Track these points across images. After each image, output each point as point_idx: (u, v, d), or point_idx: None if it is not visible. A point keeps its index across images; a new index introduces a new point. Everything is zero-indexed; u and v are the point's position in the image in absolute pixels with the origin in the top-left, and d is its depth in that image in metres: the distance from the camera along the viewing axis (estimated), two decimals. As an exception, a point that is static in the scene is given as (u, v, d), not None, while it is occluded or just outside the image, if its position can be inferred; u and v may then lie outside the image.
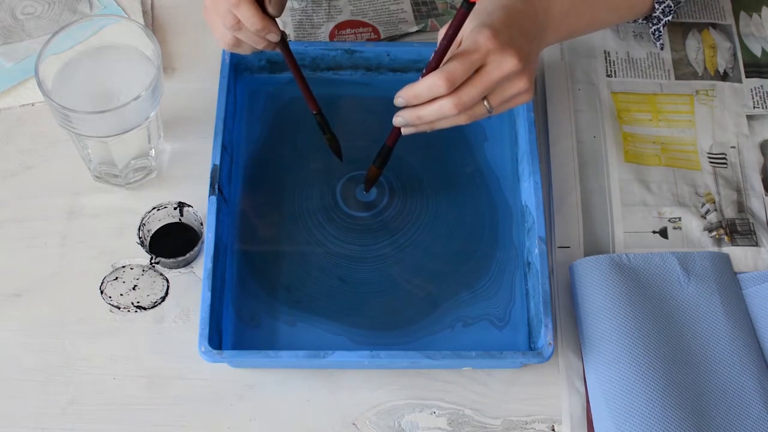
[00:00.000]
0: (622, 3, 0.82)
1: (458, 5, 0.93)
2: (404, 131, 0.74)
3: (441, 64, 0.69)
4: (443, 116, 0.70)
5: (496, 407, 0.77)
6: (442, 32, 0.69)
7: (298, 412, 0.77)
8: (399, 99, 0.71)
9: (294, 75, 0.78)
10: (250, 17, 0.71)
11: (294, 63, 0.78)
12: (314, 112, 0.80)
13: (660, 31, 0.87)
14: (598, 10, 0.80)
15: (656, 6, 0.84)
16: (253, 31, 0.72)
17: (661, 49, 0.91)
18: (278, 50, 0.77)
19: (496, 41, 0.67)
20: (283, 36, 0.75)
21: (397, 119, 0.73)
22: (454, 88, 0.68)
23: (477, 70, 0.68)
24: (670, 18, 0.86)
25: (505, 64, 0.68)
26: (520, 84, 0.70)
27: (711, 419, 0.74)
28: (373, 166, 0.81)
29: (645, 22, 0.88)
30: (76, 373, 0.78)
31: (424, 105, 0.70)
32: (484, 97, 0.70)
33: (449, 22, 0.68)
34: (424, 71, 0.70)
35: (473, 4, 0.64)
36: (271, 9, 0.72)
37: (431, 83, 0.68)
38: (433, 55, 0.69)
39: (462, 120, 0.70)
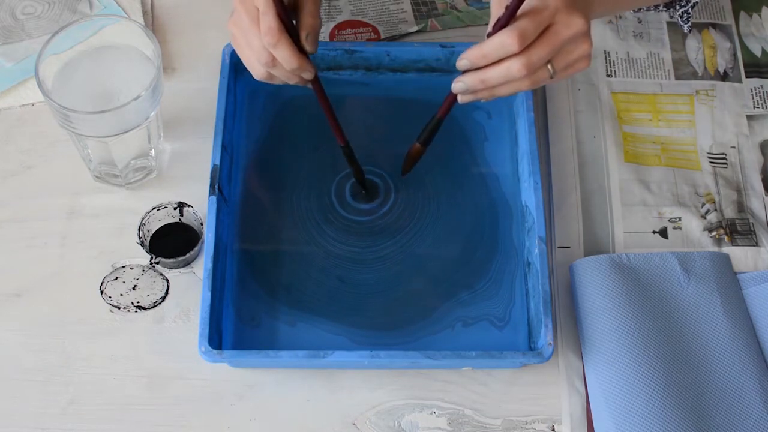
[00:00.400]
0: None
1: (459, 4, 0.93)
2: (461, 99, 0.71)
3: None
4: (510, 79, 0.67)
5: (496, 407, 0.77)
6: None
7: (298, 412, 0.77)
8: (463, 61, 0.68)
9: (323, 108, 0.77)
10: (287, 58, 0.70)
11: (325, 98, 0.77)
12: (341, 145, 0.80)
13: (689, 13, 0.86)
14: None
15: None
16: (289, 69, 0.71)
17: (689, 32, 0.89)
18: (310, 86, 0.76)
19: (562, 1, 0.66)
20: (316, 72, 0.74)
21: (458, 84, 0.70)
22: (523, 48, 0.66)
23: (544, 30, 0.66)
24: (698, 0, 0.84)
25: (573, 23, 0.66)
26: (584, 46, 0.68)
27: (711, 419, 0.74)
28: (416, 144, 0.79)
29: (666, 9, 0.86)
30: (76, 373, 0.78)
31: (490, 67, 0.67)
32: (548, 61, 0.67)
33: None
34: (490, 31, 0.67)
35: None
36: (307, 47, 0.71)
37: (501, 41, 0.65)
38: (503, 12, 0.66)
39: (525, 85, 0.68)
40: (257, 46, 0.71)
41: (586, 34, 0.67)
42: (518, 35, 0.65)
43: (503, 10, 0.66)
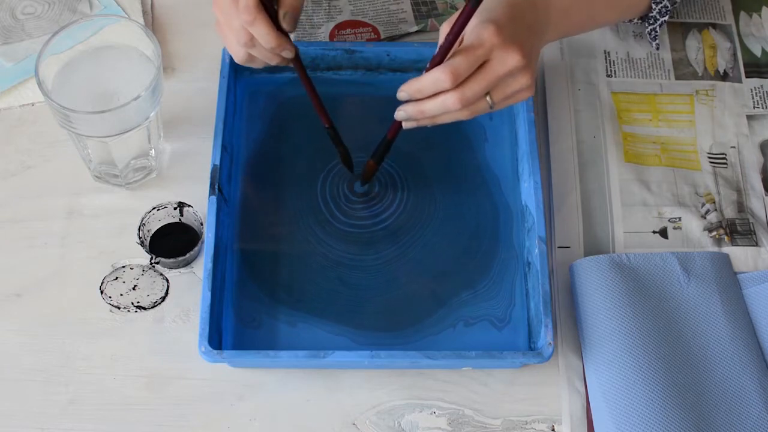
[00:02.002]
0: (621, 1, 0.83)
1: (459, 4, 0.93)
2: (405, 125, 0.74)
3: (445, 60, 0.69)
4: (446, 111, 0.70)
5: (496, 407, 0.77)
6: (444, 28, 0.69)
7: (298, 412, 0.77)
8: (402, 93, 0.71)
9: (306, 90, 0.78)
10: (264, 35, 0.71)
11: (307, 78, 0.78)
12: (326, 126, 0.81)
13: (656, 32, 0.88)
14: (597, 7, 0.81)
15: (653, 6, 0.84)
16: (268, 48, 0.72)
17: (657, 49, 0.91)
18: (292, 65, 0.77)
19: (500, 37, 0.67)
20: (297, 51, 0.75)
21: (399, 113, 0.73)
22: (458, 84, 0.68)
23: (480, 66, 0.68)
24: (666, 18, 0.86)
25: (509, 59, 0.68)
26: (523, 80, 0.70)
27: (711, 419, 0.74)
28: (370, 161, 0.81)
29: (641, 21, 0.88)
30: (76, 373, 0.78)
31: (427, 99, 0.70)
32: (487, 93, 0.70)
33: (454, 17, 0.68)
34: (428, 66, 0.70)
35: (480, 1, 0.64)
36: (285, 25, 0.72)
37: (436, 78, 0.68)
38: (437, 50, 0.69)
39: (464, 115, 0.70)
40: (236, 26, 0.72)
41: (525, 68, 0.69)
42: (451, 72, 0.67)
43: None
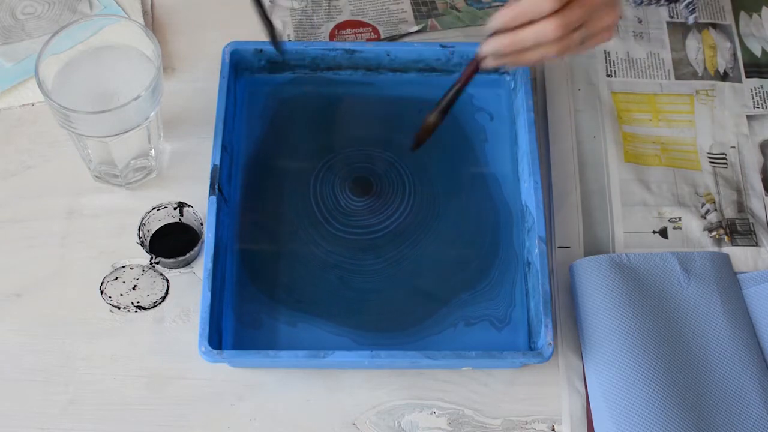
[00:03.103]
0: None
1: (459, 4, 0.93)
2: (486, 63, 0.70)
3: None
4: (542, 40, 0.66)
5: (496, 407, 0.77)
6: None
7: (298, 412, 0.77)
8: (495, 21, 0.67)
9: None
10: None
11: None
12: None
13: (694, 4, 0.86)
14: None
15: None
16: None
17: (694, 22, 0.87)
18: None
19: None
20: None
21: (487, 46, 0.68)
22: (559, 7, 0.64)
23: None
24: None
25: None
26: (613, 15, 0.67)
27: (711, 419, 0.74)
28: (431, 114, 0.75)
29: (667, 3, 0.85)
30: (76, 373, 0.78)
31: (523, 28, 0.66)
32: (580, 26, 0.66)
33: None
34: None
35: None
36: None
37: (536, 1, 0.64)
38: None
39: (554, 50, 0.66)
40: None
41: (616, 2, 0.67)
42: None
43: None
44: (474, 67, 0.71)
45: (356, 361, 0.74)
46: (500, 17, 0.66)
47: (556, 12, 0.64)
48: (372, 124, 0.88)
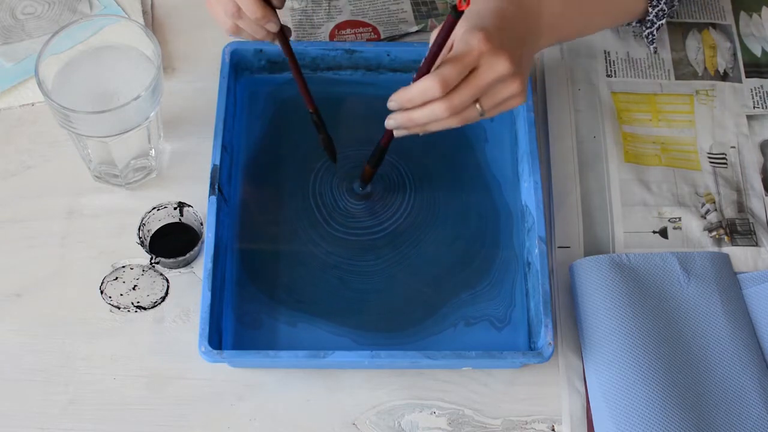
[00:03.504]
0: (615, 7, 0.83)
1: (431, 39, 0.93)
2: (396, 133, 0.74)
3: (432, 69, 0.69)
4: (435, 119, 0.70)
5: (496, 407, 0.77)
6: (433, 36, 0.69)
7: (298, 412, 0.77)
8: (392, 103, 0.71)
9: (293, 71, 0.78)
10: (250, 5, 0.71)
11: (293, 58, 0.78)
12: (310, 111, 0.80)
13: (654, 35, 0.87)
14: (590, 14, 0.80)
15: (650, 9, 0.84)
16: (253, 19, 0.72)
17: (655, 52, 0.91)
18: (278, 44, 0.77)
19: (488, 44, 0.67)
20: (284, 30, 0.76)
21: (389, 122, 0.73)
22: (447, 92, 0.68)
23: (469, 73, 0.68)
24: (663, 22, 0.86)
25: (497, 66, 0.68)
26: (513, 87, 0.69)
27: (711, 419, 0.74)
28: (367, 166, 0.82)
29: (639, 25, 0.88)
30: (76, 373, 0.78)
31: (417, 108, 0.70)
32: (477, 100, 0.69)
33: (439, 27, 0.68)
34: (414, 76, 0.70)
35: (461, 12, 0.63)
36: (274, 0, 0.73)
37: (425, 87, 0.68)
38: (423, 60, 0.69)
39: (454, 123, 0.70)
40: None
41: (514, 75, 0.69)
42: (439, 81, 0.67)
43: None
44: (390, 133, 0.75)
45: (356, 361, 0.74)
46: (395, 100, 0.71)
47: (446, 95, 0.68)
48: (372, 124, 0.88)
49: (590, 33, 0.86)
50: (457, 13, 0.64)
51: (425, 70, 0.69)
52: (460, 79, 0.68)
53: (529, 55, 0.73)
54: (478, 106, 0.70)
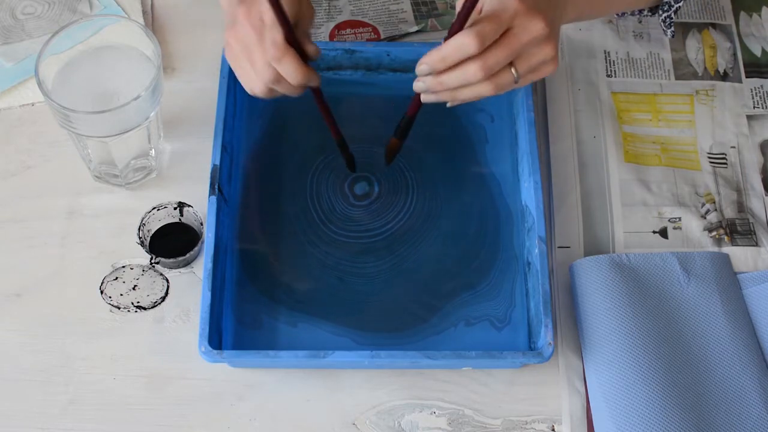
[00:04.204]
0: None
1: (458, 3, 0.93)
2: (424, 98, 0.71)
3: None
4: (467, 81, 0.67)
5: (496, 407, 0.77)
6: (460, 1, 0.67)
7: (298, 412, 0.77)
8: (422, 66, 0.68)
9: (320, 108, 0.77)
10: (293, 71, 0.68)
11: (321, 98, 0.76)
12: (336, 139, 0.81)
13: (671, 18, 0.86)
14: None
15: None
16: (295, 84, 0.69)
17: (672, 36, 0.89)
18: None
19: (523, 4, 0.65)
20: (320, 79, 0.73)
21: (418, 84, 0.69)
22: (483, 50, 0.65)
23: (503, 34, 0.66)
24: (681, 4, 0.84)
25: (532, 27, 0.66)
26: (547, 50, 0.67)
27: (711, 419, 0.74)
28: (393, 138, 0.79)
29: (650, 14, 0.87)
30: (76, 373, 0.78)
31: (449, 70, 0.67)
32: (511, 65, 0.67)
33: None
34: (446, 36, 0.67)
35: None
36: (312, 52, 0.69)
37: (460, 42, 0.65)
38: (455, 18, 0.66)
39: (487, 89, 0.67)
40: (260, 63, 0.69)
41: (549, 38, 0.67)
42: (476, 36, 0.64)
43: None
44: (418, 100, 0.73)
45: (356, 361, 0.74)
46: (426, 62, 0.67)
47: (479, 54, 0.65)
48: (372, 124, 0.88)
49: (610, 12, 0.85)
50: None
51: (456, 29, 0.66)
52: (496, 36, 0.65)
53: (559, 22, 0.70)
54: (513, 70, 0.67)
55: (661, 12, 0.87)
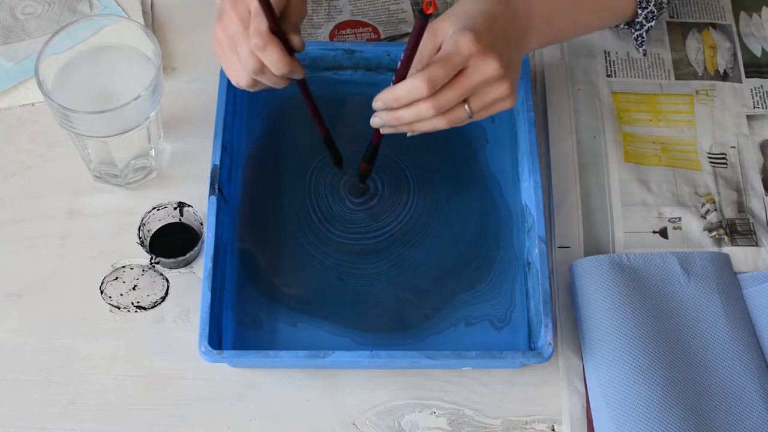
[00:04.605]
0: (605, 7, 0.82)
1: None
2: (383, 131, 0.73)
3: (408, 73, 0.68)
4: (420, 118, 0.69)
5: (496, 407, 0.77)
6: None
7: (298, 412, 0.77)
8: (378, 103, 0.70)
9: (306, 101, 0.77)
10: (276, 61, 0.68)
11: (308, 92, 0.76)
12: (322, 136, 0.81)
13: (643, 37, 0.87)
14: (580, 14, 0.80)
15: (639, 12, 0.84)
16: (279, 74, 0.70)
17: (644, 55, 0.91)
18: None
19: (477, 45, 0.66)
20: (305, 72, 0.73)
21: (375, 120, 0.72)
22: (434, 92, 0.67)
23: (457, 74, 0.67)
24: (653, 24, 0.85)
25: (486, 68, 0.67)
26: (501, 89, 0.69)
27: (711, 419, 0.74)
28: (362, 162, 0.81)
29: (627, 27, 0.88)
30: (76, 373, 0.78)
31: (403, 108, 0.69)
32: (465, 101, 0.69)
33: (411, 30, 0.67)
34: (394, 80, 0.69)
35: (429, 15, 0.62)
36: (297, 44, 0.70)
37: (411, 86, 0.67)
38: (399, 64, 0.68)
39: (441, 123, 0.69)
40: (244, 52, 0.69)
41: (503, 78, 0.68)
42: (427, 81, 0.66)
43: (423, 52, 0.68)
44: (378, 132, 0.75)
45: (356, 361, 0.74)
46: (381, 100, 0.69)
47: (432, 94, 0.67)
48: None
49: (579, 35, 0.86)
50: (425, 16, 0.63)
51: (402, 74, 0.68)
52: (447, 79, 0.67)
53: (518, 57, 0.72)
54: (466, 107, 0.69)
55: (633, 30, 0.87)
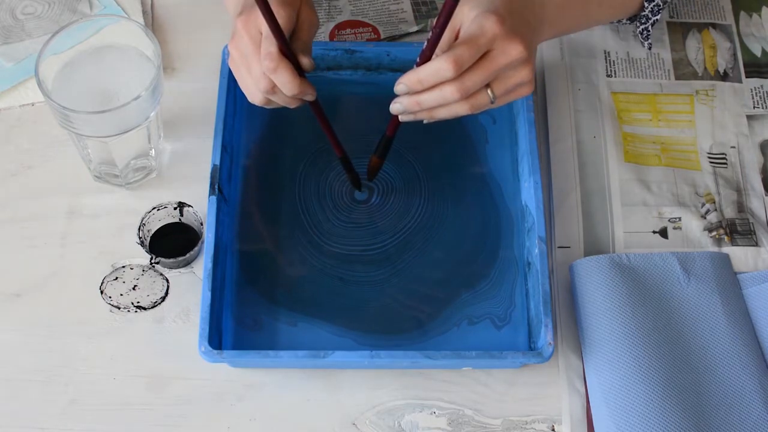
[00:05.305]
0: (614, 0, 0.82)
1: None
2: (402, 118, 0.72)
3: (434, 54, 0.68)
4: (444, 102, 0.68)
5: (496, 407, 0.77)
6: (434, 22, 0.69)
7: (298, 412, 0.77)
8: (400, 85, 0.69)
9: (320, 123, 0.77)
10: (287, 83, 0.69)
11: (323, 115, 0.76)
12: (339, 156, 0.81)
13: (648, 31, 0.87)
14: (591, 6, 0.80)
15: (646, 4, 0.84)
16: (290, 95, 0.71)
17: (649, 49, 0.91)
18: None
19: (502, 27, 0.66)
20: (316, 93, 0.74)
21: (395, 106, 0.71)
22: (459, 74, 0.66)
23: (481, 57, 0.67)
24: (658, 17, 0.85)
25: (511, 50, 0.67)
26: (524, 72, 0.69)
27: (711, 419, 0.74)
28: (373, 156, 0.81)
29: (629, 22, 0.88)
30: (76, 373, 0.78)
31: (426, 91, 0.68)
32: (488, 86, 0.68)
33: (439, 12, 0.67)
34: (418, 61, 0.69)
35: None
36: (306, 65, 0.71)
37: (437, 67, 0.66)
38: (425, 44, 0.68)
39: (463, 108, 0.69)
40: (256, 72, 0.70)
41: (526, 61, 0.68)
42: (453, 61, 0.65)
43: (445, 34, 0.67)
44: (396, 121, 0.74)
45: (356, 361, 0.74)
46: (404, 82, 0.69)
47: (457, 76, 0.66)
48: (372, 124, 0.88)
49: (588, 26, 0.86)
50: None
51: (428, 54, 0.68)
52: (473, 60, 0.66)
53: (536, 44, 0.72)
54: (489, 91, 0.68)
55: (638, 24, 0.87)
